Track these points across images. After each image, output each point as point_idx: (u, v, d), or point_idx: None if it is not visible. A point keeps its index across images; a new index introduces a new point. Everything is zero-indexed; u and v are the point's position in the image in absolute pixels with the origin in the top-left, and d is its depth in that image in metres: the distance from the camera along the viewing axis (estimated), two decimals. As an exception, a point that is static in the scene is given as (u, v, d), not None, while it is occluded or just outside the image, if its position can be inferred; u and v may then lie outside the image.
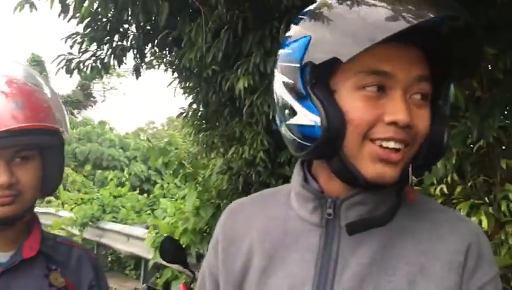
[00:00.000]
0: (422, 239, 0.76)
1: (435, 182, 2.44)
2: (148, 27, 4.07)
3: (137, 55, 4.43)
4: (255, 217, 0.86)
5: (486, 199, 2.29)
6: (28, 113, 1.02)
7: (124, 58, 4.43)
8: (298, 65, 0.74)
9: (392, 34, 0.65)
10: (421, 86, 0.72)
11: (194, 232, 4.34)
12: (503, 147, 2.29)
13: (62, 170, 1.16)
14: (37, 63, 20.07)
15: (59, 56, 4.29)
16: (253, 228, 0.84)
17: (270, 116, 3.38)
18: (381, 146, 0.70)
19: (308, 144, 0.74)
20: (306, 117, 0.73)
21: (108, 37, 4.17)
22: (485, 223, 2.08)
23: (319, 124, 0.71)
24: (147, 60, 4.73)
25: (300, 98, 0.74)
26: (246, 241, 0.84)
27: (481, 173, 2.32)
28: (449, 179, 2.35)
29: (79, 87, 22.29)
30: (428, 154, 0.75)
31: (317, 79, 0.73)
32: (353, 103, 0.71)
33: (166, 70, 4.74)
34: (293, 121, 0.76)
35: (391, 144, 0.70)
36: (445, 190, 2.36)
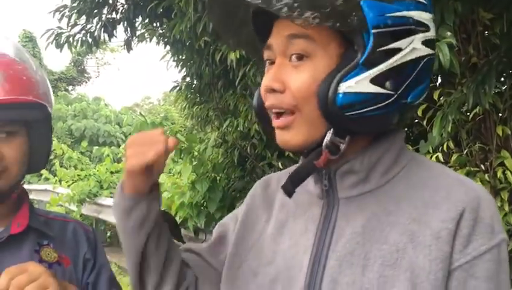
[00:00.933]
0: (417, 206, 0.73)
1: (431, 150, 2.42)
2: (138, -2, 3.98)
3: (128, 28, 4.35)
4: (279, 191, 0.89)
5: (482, 166, 2.27)
6: (7, 87, 1.00)
7: (115, 31, 4.36)
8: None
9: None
10: (294, 45, 0.72)
11: (190, 206, 4.33)
12: (499, 114, 2.26)
13: (49, 146, 1.14)
14: (28, 39, 19.80)
15: (48, 30, 4.21)
16: (275, 201, 0.90)
17: (264, 88, 3.33)
18: (273, 113, 0.76)
19: None
20: None
21: (96, 10, 4.08)
22: (480, 191, 2.06)
23: None
24: (138, 33, 4.64)
25: None
26: (266, 212, 0.90)
27: (477, 141, 2.30)
28: (445, 147, 2.33)
29: (72, 63, 22.07)
30: (325, 115, 0.71)
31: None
32: None
33: (158, 43, 4.65)
34: None
35: (273, 110, 0.76)
36: (441, 158, 2.34)
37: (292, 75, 0.73)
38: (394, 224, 0.73)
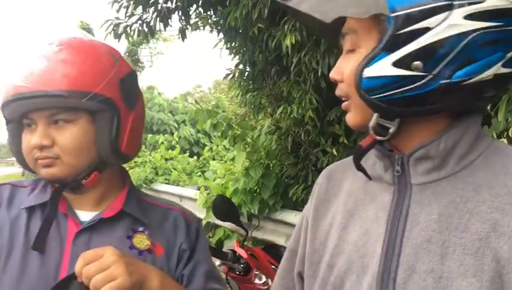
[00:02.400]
0: (499, 194, 0.71)
1: (495, 136, 2.32)
2: (193, -13, 4.02)
3: (182, 17, 4.41)
4: (345, 179, 0.91)
5: (551, 152, 2.16)
6: (40, 76, 0.97)
7: (170, 20, 4.43)
8: None
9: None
10: (346, 40, 0.79)
11: (244, 192, 4.37)
12: None
13: (112, 138, 1.05)
14: (86, 30, 20.49)
15: (107, 21, 4.34)
16: (342, 190, 0.90)
17: (319, 74, 3.30)
18: None
19: None
20: None
21: (153, 0, 4.16)
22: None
23: None
24: (192, 21, 4.70)
25: None
26: (334, 203, 0.90)
27: (547, 125, 2.18)
28: (510, 132, 2.23)
29: (127, 54, 22.68)
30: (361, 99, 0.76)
31: None
32: None
33: (211, 31, 4.70)
34: None
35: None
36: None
37: (345, 66, 0.79)
38: (474, 212, 0.71)
